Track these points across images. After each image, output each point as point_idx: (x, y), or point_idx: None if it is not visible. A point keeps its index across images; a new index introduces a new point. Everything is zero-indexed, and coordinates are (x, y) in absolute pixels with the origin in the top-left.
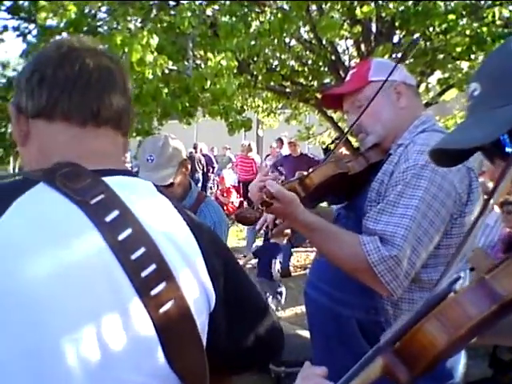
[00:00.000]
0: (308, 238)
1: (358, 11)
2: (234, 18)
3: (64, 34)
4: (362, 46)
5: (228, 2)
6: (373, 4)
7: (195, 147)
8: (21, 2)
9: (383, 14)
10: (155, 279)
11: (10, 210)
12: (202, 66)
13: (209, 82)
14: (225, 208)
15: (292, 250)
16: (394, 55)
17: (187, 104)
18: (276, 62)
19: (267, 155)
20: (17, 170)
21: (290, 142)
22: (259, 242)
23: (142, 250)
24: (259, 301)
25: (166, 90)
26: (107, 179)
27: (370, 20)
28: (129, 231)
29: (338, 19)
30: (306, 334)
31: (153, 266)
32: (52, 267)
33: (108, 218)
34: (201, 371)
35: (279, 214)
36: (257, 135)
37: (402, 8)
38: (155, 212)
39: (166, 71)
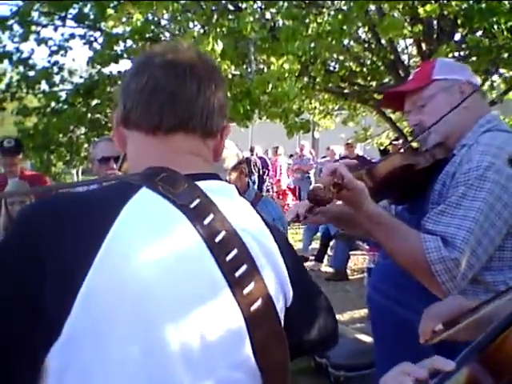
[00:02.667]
0: (370, 229)
1: (420, 10)
2: (294, 21)
3: (129, 41)
4: (423, 45)
5: (286, 4)
6: (433, 2)
7: (252, 150)
8: (86, 11)
9: (445, 12)
10: (247, 279)
11: (124, 211)
12: (264, 69)
13: (270, 86)
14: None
15: (349, 253)
16: (457, 54)
17: (248, 107)
18: (334, 64)
19: (323, 157)
20: (80, 173)
21: (346, 143)
22: (315, 245)
23: (234, 252)
24: (322, 299)
25: (228, 94)
26: (199, 184)
27: (432, 18)
28: (223, 233)
29: (400, 18)
30: (365, 338)
31: (244, 267)
32: (158, 264)
33: (205, 222)
34: (283, 368)
35: (348, 201)
36: (312, 137)
37: (464, 6)
38: (240, 214)
39: (229, 76)
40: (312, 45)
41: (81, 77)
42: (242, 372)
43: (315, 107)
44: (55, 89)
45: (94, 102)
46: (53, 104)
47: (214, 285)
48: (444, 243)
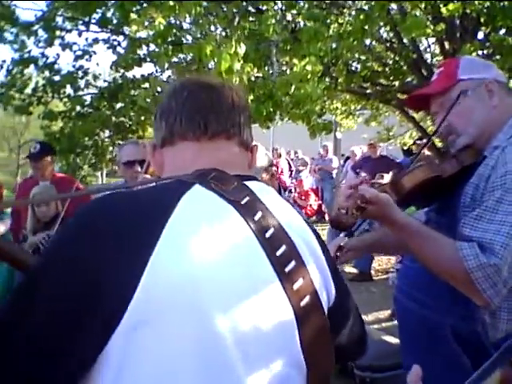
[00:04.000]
0: (402, 239)
1: (443, 9)
2: (315, 22)
3: (151, 45)
4: (446, 44)
5: (306, 5)
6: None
7: (274, 151)
8: (109, 15)
9: (468, 11)
10: (296, 275)
11: (179, 206)
12: (287, 71)
13: (293, 87)
14: (303, 211)
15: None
16: (480, 52)
17: (271, 109)
18: (356, 64)
19: (346, 158)
20: (104, 176)
21: (369, 143)
22: None
23: (283, 248)
24: (353, 300)
25: (251, 97)
26: (247, 184)
27: (455, 17)
28: (272, 230)
29: (423, 18)
30: (390, 339)
31: (293, 263)
32: (214, 258)
33: (256, 218)
34: (328, 365)
35: (375, 217)
36: (334, 138)
37: (487, 4)
38: (284, 212)
39: (252, 78)
40: (334, 46)
41: (105, 81)
42: (292, 367)
43: (337, 108)
44: (80, 93)
45: (118, 105)
46: (78, 108)
47: (266, 279)
48: (481, 249)
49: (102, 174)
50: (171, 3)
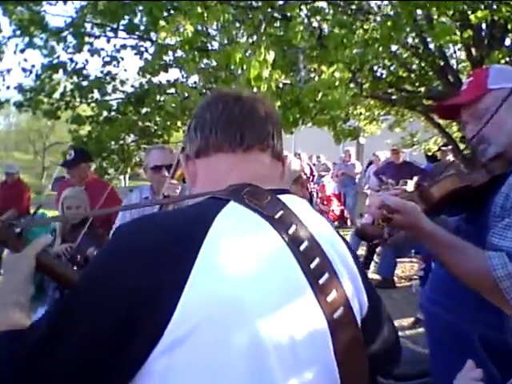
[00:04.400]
0: (431, 248)
1: (471, 16)
2: (341, 29)
3: (178, 52)
4: (473, 51)
5: (331, 11)
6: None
7: (296, 156)
8: (136, 21)
9: (495, 18)
10: (329, 287)
11: (215, 223)
12: (314, 78)
13: (320, 94)
14: (326, 216)
15: (397, 260)
16: (508, 59)
17: (297, 115)
18: (382, 70)
19: (369, 163)
20: (128, 179)
21: (392, 149)
22: (362, 252)
23: (317, 260)
24: (385, 310)
25: (278, 103)
26: (280, 197)
27: (482, 24)
28: (306, 243)
29: (451, 25)
30: (414, 347)
31: (326, 275)
32: (251, 272)
33: (290, 231)
34: (362, 376)
35: (402, 226)
36: (358, 143)
37: None
38: (316, 224)
39: (280, 85)
40: (360, 52)
41: (132, 86)
42: (326, 378)
43: (361, 113)
44: (107, 98)
45: (144, 110)
46: (105, 112)
47: (301, 292)
48: (510, 259)
49: (125, 177)
50: (199, 10)
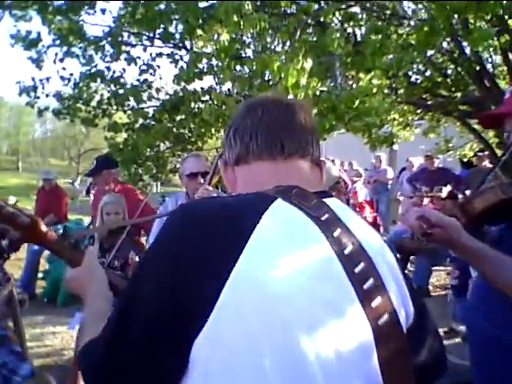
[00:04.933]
0: (473, 264)
1: (510, 21)
2: (377, 35)
3: (213, 59)
4: (510, 55)
5: (364, 17)
6: None
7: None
8: (171, 30)
9: None
10: (374, 293)
11: (263, 218)
12: (353, 85)
13: (357, 101)
14: None
15: (432, 268)
16: None
17: (333, 122)
18: (417, 75)
19: (402, 169)
20: (159, 185)
21: (426, 155)
22: None
23: (362, 265)
24: (431, 319)
25: (315, 110)
26: (325, 200)
27: None
28: (350, 247)
29: (489, 30)
30: (449, 357)
31: (371, 281)
32: (295, 272)
33: (335, 234)
34: None
35: (442, 241)
36: (391, 148)
37: None
38: (361, 229)
39: (317, 92)
40: (396, 58)
41: (167, 93)
42: None
43: (394, 119)
44: (143, 105)
45: (179, 117)
46: (140, 120)
47: (346, 296)
48: None
49: (157, 183)
50: (235, 19)
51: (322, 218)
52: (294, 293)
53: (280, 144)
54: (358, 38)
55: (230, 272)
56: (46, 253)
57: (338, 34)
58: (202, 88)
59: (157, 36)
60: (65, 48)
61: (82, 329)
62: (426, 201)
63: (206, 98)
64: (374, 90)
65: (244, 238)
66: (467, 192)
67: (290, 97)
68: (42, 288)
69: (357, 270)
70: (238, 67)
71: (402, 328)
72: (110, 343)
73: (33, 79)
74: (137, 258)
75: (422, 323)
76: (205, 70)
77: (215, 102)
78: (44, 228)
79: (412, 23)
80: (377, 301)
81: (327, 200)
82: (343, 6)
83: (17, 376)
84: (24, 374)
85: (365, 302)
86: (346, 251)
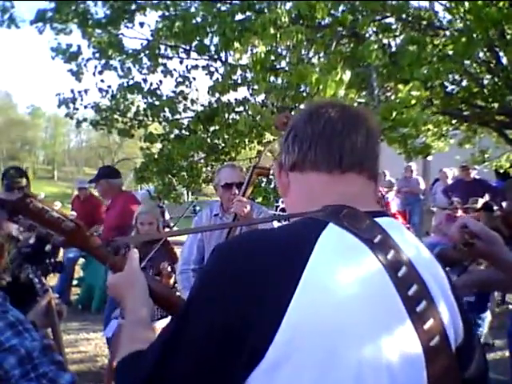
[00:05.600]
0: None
1: None
2: (414, 45)
3: (247, 72)
4: None
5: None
6: None
7: None
8: (207, 42)
9: None
10: (426, 315)
11: (317, 246)
12: (391, 96)
13: (395, 112)
14: None
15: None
16: None
17: None
18: (453, 85)
19: (435, 180)
20: (190, 194)
21: (462, 165)
22: None
23: (415, 287)
24: (477, 336)
25: None
26: (377, 220)
27: None
28: (404, 269)
29: None
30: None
31: (424, 303)
32: (352, 296)
33: (388, 256)
34: None
35: (483, 255)
36: (425, 159)
37: None
38: (414, 248)
39: (354, 104)
40: (432, 69)
41: (202, 105)
42: None
43: (428, 129)
44: (178, 116)
45: (212, 128)
46: (175, 131)
47: (399, 319)
48: None
49: (188, 192)
50: (272, 31)
51: (375, 241)
52: (354, 318)
53: (339, 157)
54: (393, 49)
55: (287, 306)
56: (81, 260)
57: (376, 46)
58: (236, 99)
59: (192, 48)
60: (103, 61)
61: (121, 334)
62: (460, 212)
63: (240, 109)
64: (413, 102)
65: (300, 269)
66: (503, 204)
67: None
68: (77, 295)
69: (410, 292)
70: (272, 78)
71: (452, 348)
72: (158, 366)
73: (72, 91)
74: (169, 268)
75: (470, 339)
76: (239, 82)
77: (249, 113)
78: (87, 233)
79: (448, 33)
80: (429, 323)
81: (379, 220)
82: (378, 17)
83: None
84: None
85: (417, 324)
86: (400, 274)
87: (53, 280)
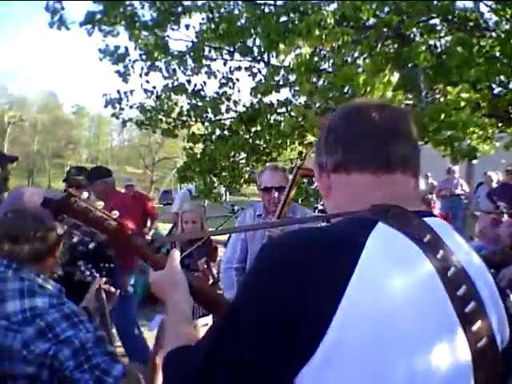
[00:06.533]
0: None
1: None
2: (463, 47)
3: (290, 74)
4: None
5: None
6: None
7: None
8: (249, 44)
9: None
10: (475, 316)
11: (367, 245)
12: (438, 98)
13: (443, 115)
14: None
15: None
16: None
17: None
18: (499, 87)
19: (479, 183)
20: (228, 194)
21: (508, 169)
22: None
23: (464, 288)
24: None
25: None
26: (425, 220)
27: None
28: (453, 269)
29: None
30: None
31: (472, 304)
32: (402, 296)
33: (438, 256)
34: None
35: None
36: (469, 162)
37: None
38: (461, 249)
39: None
40: (481, 70)
41: (244, 106)
42: None
43: (473, 131)
44: (220, 117)
45: (254, 128)
46: (217, 131)
47: (448, 319)
48: None
49: (226, 192)
50: (317, 33)
51: (425, 240)
52: (403, 318)
53: (385, 156)
54: (439, 50)
55: (338, 303)
56: None
57: (424, 47)
58: (278, 100)
59: (236, 50)
60: (149, 62)
61: (165, 331)
62: (505, 217)
63: (282, 110)
64: (462, 104)
65: (350, 268)
66: None
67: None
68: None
69: (459, 292)
70: (315, 80)
71: (499, 350)
72: (209, 361)
73: (118, 92)
74: (206, 265)
75: None
76: (281, 83)
77: (292, 114)
78: (129, 232)
79: (494, 35)
80: (477, 324)
81: (428, 219)
82: (424, 18)
83: (109, 377)
84: (116, 375)
85: (466, 325)
86: (449, 273)
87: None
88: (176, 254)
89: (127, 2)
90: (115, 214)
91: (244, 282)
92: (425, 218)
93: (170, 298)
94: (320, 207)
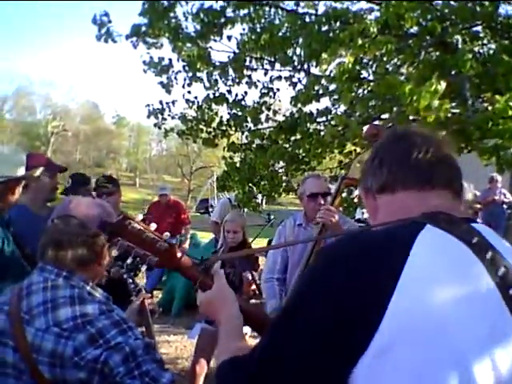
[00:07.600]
0: None
1: None
2: (507, 55)
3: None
4: None
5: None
6: None
7: None
8: (289, 53)
9: None
10: None
11: (416, 244)
12: (486, 107)
13: (490, 123)
14: None
15: None
16: None
17: (462, 145)
18: None
19: None
20: (264, 203)
21: None
22: None
23: None
24: None
25: (443, 133)
26: (473, 225)
27: None
28: (503, 269)
29: None
30: None
31: None
32: (453, 301)
33: (488, 256)
34: None
35: None
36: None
37: None
38: (510, 252)
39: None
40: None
41: (283, 115)
42: None
43: None
44: (260, 126)
45: (293, 137)
46: (257, 140)
47: (500, 317)
48: None
49: (262, 201)
50: (360, 42)
51: (473, 241)
52: (454, 325)
53: (429, 176)
54: (483, 58)
55: (388, 301)
56: None
57: (470, 55)
58: (317, 109)
59: (277, 60)
60: (191, 73)
61: (218, 346)
62: None
63: (322, 119)
64: (511, 113)
65: (399, 266)
66: None
67: (419, 119)
68: (157, 298)
69: (511, 291)
70: (355, 88)
71: None
72: (263, 365)
73: (160, 102)
74: (250, 277)
75: None
76: (321, 92)
77: (333, 124)
78: (179, 254)
79: None
80: None
81: (474, 225)
82: (467, 25)
83: None
84: (165, 382)
85: None
86: (500, 273)
87: (141, 280)
88: (221, 273)
89: (172, 15)
90: (153, 226)
91: (299, 284)
92: (472, 224)
93: (221, 316)
94: (357, 217)
